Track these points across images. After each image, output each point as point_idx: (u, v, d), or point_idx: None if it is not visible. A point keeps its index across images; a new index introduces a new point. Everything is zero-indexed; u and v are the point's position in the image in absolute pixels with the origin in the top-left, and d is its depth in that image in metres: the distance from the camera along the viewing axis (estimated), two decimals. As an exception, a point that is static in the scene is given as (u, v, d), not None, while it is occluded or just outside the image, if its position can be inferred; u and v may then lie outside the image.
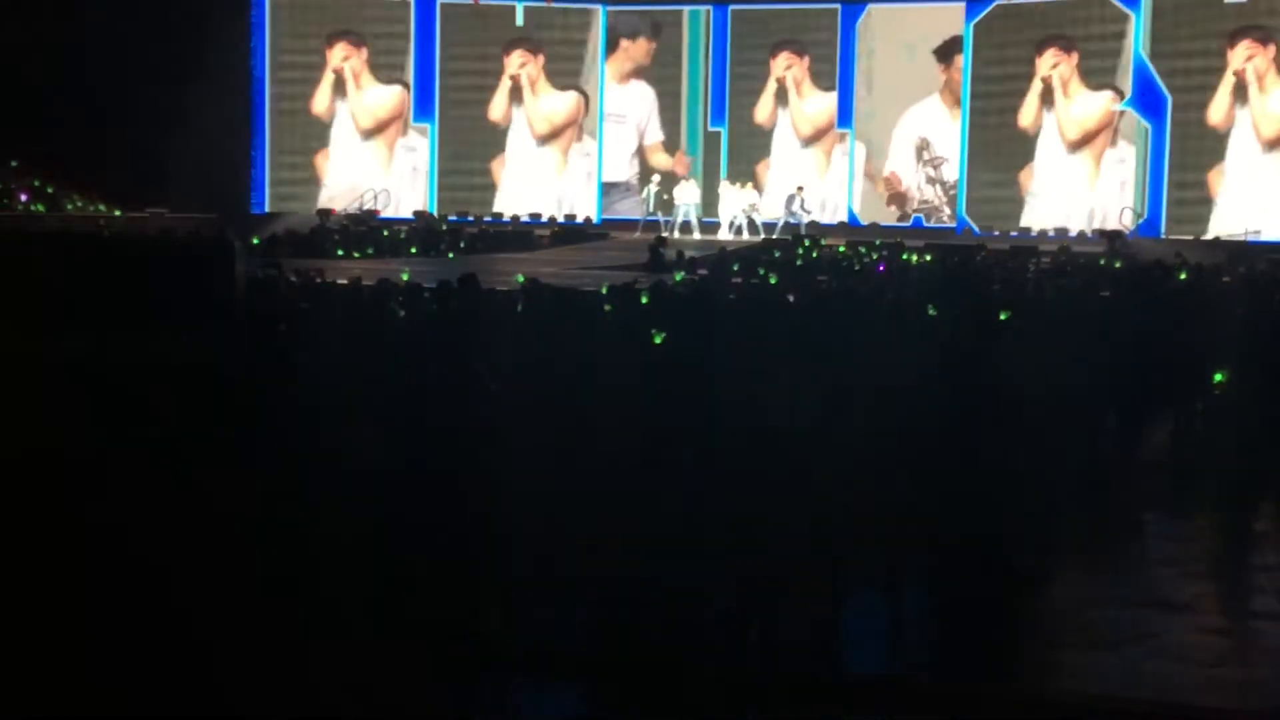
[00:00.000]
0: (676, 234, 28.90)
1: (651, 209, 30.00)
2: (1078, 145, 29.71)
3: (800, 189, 29.56)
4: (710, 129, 32.14)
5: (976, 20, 30.21)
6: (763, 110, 31.85)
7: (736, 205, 29.62)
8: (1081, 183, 29.73)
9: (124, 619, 6.08)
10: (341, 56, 32.90)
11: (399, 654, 6.35)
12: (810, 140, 31.70)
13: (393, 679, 6.23)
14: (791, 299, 13.06)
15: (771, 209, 30.03)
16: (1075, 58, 29.58)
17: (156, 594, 6.29)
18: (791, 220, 28.95)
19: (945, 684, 6.58)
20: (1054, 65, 29.67)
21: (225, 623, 6.17)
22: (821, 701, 6.50)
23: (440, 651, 6.59)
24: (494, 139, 32.77)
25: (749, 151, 31.83)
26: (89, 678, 5.68)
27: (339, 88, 33.00)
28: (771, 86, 31.67)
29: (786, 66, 31.58)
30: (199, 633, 6.07)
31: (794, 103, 31.63)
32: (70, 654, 5.84)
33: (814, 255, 22.20)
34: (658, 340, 9.66)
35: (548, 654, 6.82)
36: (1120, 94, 28.94)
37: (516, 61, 32.60)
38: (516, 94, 32.64)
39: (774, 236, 27.29)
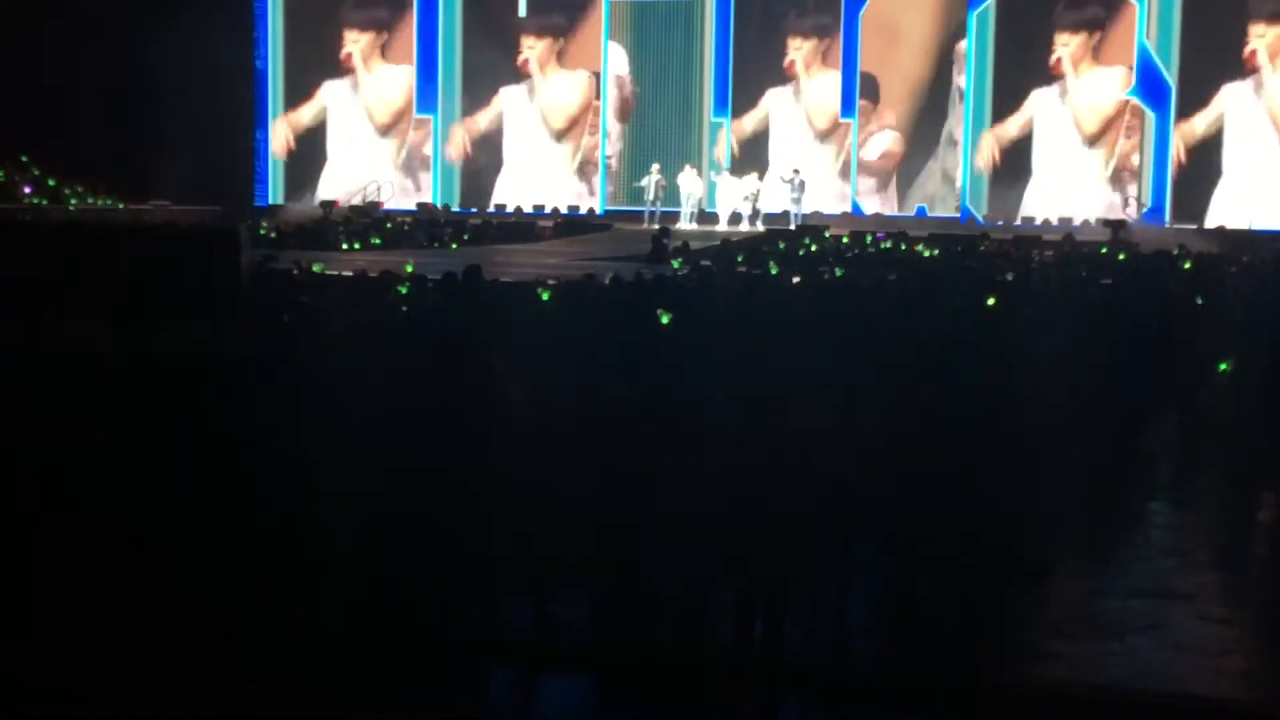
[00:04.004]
0: (687, 224, 28.78)
1: (652, 198, 29.83)
2: (1083, 134, 29.68)
3: (796, 171, 29.42)
4: (713, 119, 32.00)
5: (979, 9, 30.14)
6: (769, 96, 31.63)
7: (738, 195, 29.48)
8: (1087, 171, 29.69)
9: (122, 613, 6.08)
10: (346, 47, 32.88)
11: (402, 649, 6.36)
12: (818, 128, 31.51)
13: (397, 673, 6.23)
14: (796, 281, 13.05)
15: (773, 197, 29.93)
16: (1081, 45, 29.53)
17: (156, 586, 6.29)
18: (794, 203, 28.77)
19: (950, 676, 6.58)
20: (1058, 52, 29.63)
21: (225, 618, 6.17)
22: (825, 695, 6.50)
23: (447, 645, 6.60)
24: (499, 129, 32.71)
25: (751, 141, 31.67)
26: (87, 672, 5.68)
27: (343, 78, 32.98)
28: (781, 71, 31.43)
29: (796, 49, 31.36)
30: (198, 628, 6.07)
31: (803, 88, 31.44)
32: (70, 648, 5.85)
33: (816, 247, 22.17)
34: (665, 320, 9.61)
35: (555, 648, 6.82)
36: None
37: (524, 50, 32.51)
38: (527, 83, 32.54)
39: (784, 227, 27.25)
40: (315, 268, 15.56)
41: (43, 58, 28.20)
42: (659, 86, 32.34)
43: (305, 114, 33.18)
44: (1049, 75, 29.82)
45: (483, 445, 7.19)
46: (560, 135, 32.73)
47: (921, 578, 7.66)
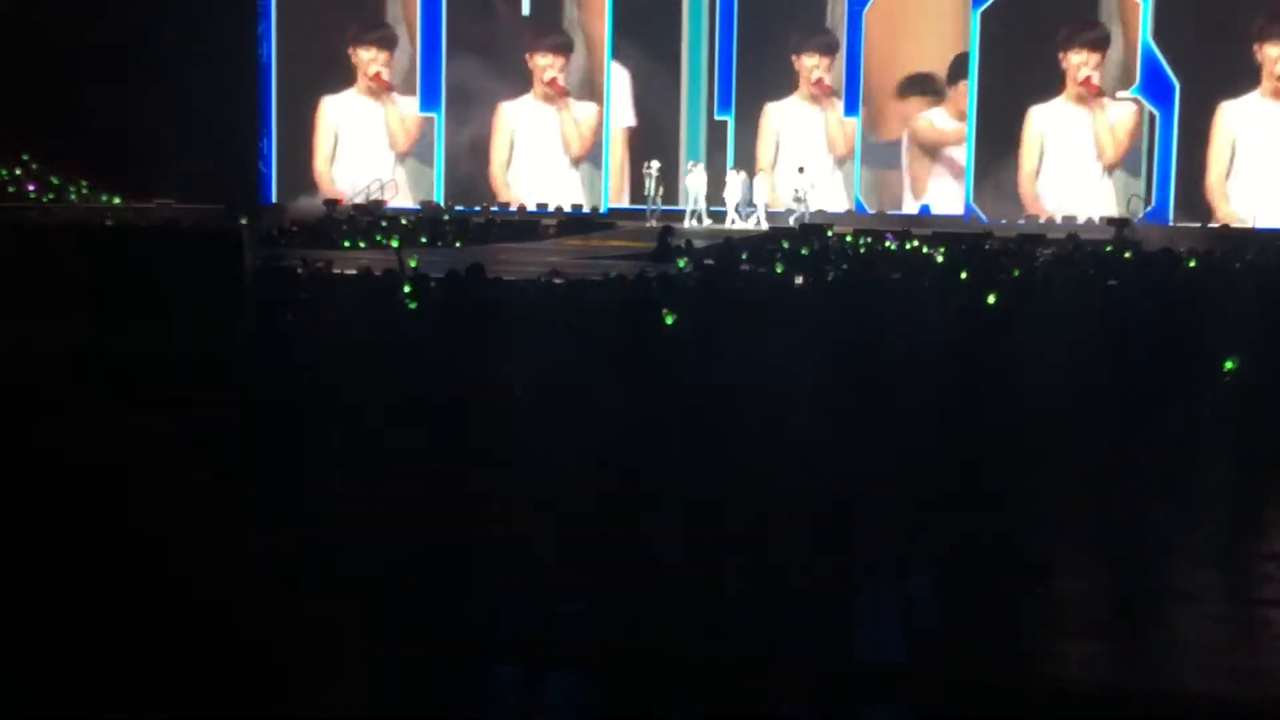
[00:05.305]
0: (689, 223, 28.69)
1: (651, 195, 29.75)
2: (1085, 132, 29.68)
3: (800, 169, 29.32)
4: (716, 117, 31.94)
5: (984, 8, 30.10)
6: (790, 107, 31.46)
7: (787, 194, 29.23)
8: (1090, 170, 29.68)
9: (124, 612, 6.09)
10: (349, 44, 32.91)
11: (403, 648, 6.36)
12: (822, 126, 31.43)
13: (399, 674, 6.24)
14: (800, 280, 13.06)
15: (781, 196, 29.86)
16: (1084, 46, 29.53)
17: (156, 585, 6.30)
18: (797, 203, 28.67)
19: (952, 673, 6.57)
20: (1062, 54, 29.63)
21: (226, 618, 6.17)
22: (827, 691, 6.50)
23: (450, 645, 6.60)
24: (503, 129, 32.70)
25: (757, 141, 31.57)
26: (89, 675, 5.69)
27: (347, 75, 33.02)
28: (802, 89, 31.25)
29: (814, 69, 31.19)
30: (198, 628, 6.07)
31: (828, 112, 31.25)
32: (74, 651, 5.85)
33: (821, 245, 22.15)
34: (669, 321, 9.63)
35: (559, 646, 6.82)
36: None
37: (526, 46, 32.49)
38: (528, 81, 32.53)
39: (792, 224, 27.23)
40: (341, 269, 15.63)
41: (45, 56, 28.22)
42: (661, 85, 32.32)
43: (308, 111, 33.20)
44: (1050, 74, 29.83)
45: (484, 443, 7.20)
46: (563, 134, 32.74)
47: (924, 574, 7.66)
